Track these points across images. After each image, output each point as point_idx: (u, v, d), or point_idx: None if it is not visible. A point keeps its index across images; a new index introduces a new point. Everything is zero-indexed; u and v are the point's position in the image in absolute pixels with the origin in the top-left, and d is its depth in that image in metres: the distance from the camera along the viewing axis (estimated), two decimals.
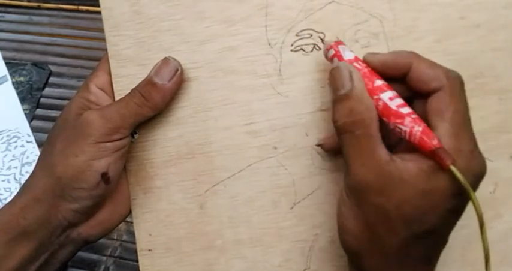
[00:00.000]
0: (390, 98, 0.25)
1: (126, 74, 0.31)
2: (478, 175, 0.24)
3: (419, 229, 0.24)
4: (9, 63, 0.54)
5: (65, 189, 0.28)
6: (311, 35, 0.30)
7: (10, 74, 0.54)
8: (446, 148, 0.23)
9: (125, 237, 0.47)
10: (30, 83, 0.54)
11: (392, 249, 0.24)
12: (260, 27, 0.31)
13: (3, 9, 0.57)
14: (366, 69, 0.26)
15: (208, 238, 0.32)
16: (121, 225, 0.46)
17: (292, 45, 0.31)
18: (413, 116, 0.24)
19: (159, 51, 0.31)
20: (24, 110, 0.52)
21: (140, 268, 0.32)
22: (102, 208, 0.31)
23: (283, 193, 0.31)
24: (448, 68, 0.26)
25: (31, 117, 0.52)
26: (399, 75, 0.26)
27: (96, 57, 0.53)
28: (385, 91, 0.25)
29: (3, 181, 0.49)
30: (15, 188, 0.48)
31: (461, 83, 0.25)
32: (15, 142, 0.51)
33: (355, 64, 0.27)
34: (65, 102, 0.46)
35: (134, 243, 0.32)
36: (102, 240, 0.44)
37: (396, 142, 0.27)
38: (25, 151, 0.50)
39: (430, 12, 0.30)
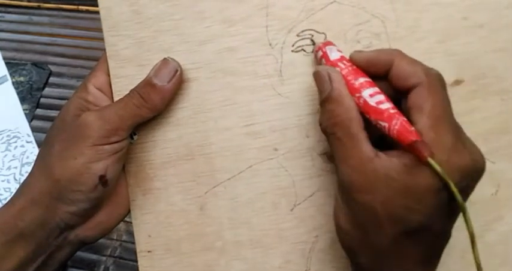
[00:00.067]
0: (370, 95, 0.25)
1: (125, 74, 0.31)
2: (465, 170, 0.23)
3: (408, 226, 0.23)
4: (9, 63, 0.54)
5: (62, 192, 0.28)
6: (312, 36, 0.30)
7: (10, 74, 0.54)
8: (425, 141, 0.23)
9: (124, 237, 0.47)
10: (30, 83, 0.53)
11: (383, 246, 0.24)
12: (260, 28, 0.30)
13: (3, 9, 0.57)
14: (350, 68, 0.27)
15: (208, 240, 0.32)
16: (121, 225, 0.47)
17: (293, 45, 0.30)
18: (393, 111, 0.24)
19: (159, 51, 0.31)
20: (24, 110, 0.52)
21: (140, 270, 0.32)
22: (100, 210, 0.31)
23: (283, 194, 0.31)
24: (431, 66, 0.26)
25: (31, 117, 0.52)
26: (383, 73, 0.26)
27: (96, 57, 0.53)
28: (367, 88, 0.25)
29: (3, 181, 0.49)
30: (15, 188, 0.48)
31: (441, 80, 0.25)
32: (15, 142, 0.51)
33: (340, 64, 0.27)
34: (64, 102, 0.46)
35: (134, 243, 0.32)
36: (102, 240, 0.44)
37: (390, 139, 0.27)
38: (25, 151, 0.50)
39: (432, 12, 0.30)
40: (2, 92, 0.53)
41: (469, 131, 0.25)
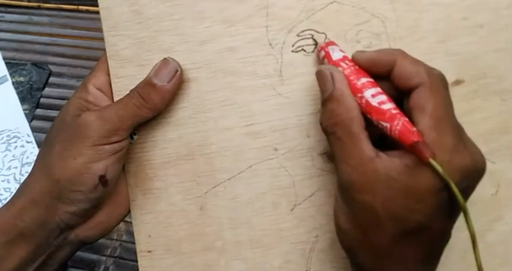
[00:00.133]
0: (372, 95, 0.25)
1: (125, 74, 0.31)
2: (466, 170, 0.23)
3: (408, 226, 0.23)
4: (9, 63, 0.54)
5: (62, 192, 0.28)
6: (312, 36, 0.30)
7: (10, 74, 0.54)
8: (427, 142, 0.23)
9: (124, 237, 0.47)
10: (30, 83, 0.53)
11: (383, 246, 0.24)
12: (261, 28, 0.30)
13: (3, 9, 0.57)
14: (352, 68, 0.27)
15: (208, 240, 0.32)
16: (121, 225, 0.47)
17: (293, 45, 0.30)
18: (394, 111, 0.24)
19: (159, 51, 0.30)
20: (24, 110, 0.52)
21: (140, 270, 0.32)
22: (100, 210, 0.31)
23: (283, 194, 0.31)
24: (433, 67, 0.26)
25: (31, 117, 0.52)
26: (385, 73, 0.26)
27: (96, 57, 0.53)
28: (369, 88, 0.25)
29: (3, 181, 0.49)
30: (15, 188, 0.48)
31: (443, 80, 0.25)
32: (15, 142, 0.51)
33: (342, 64, 0.27)
34: (64, 102, 0.46)
35: (134, 243, 0.32)
36: (102, 240, 0.44)
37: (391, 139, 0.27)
38: (25, 152, 0.50)
39: (432, 12, 0.30)
40: (2, 92, 0.53)
41: (469, 131, 0.25)
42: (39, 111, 0.53)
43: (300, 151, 0.31)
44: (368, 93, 0.25)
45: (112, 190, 0.31)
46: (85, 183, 0.28)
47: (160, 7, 0.30)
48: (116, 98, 0.31)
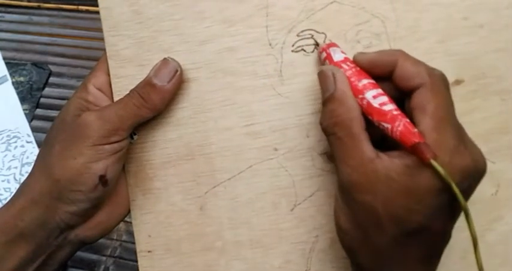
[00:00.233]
0: (374, 96, 0.25)
1: (125, 74, 0.31)
2: (467, 171, 0.23)
3: (409, 226, 0.24)
4: (9, 63, 0.54)
5: (62, 192, 0.28)
6: (312, 36, 0.30)
7: (10, 74, 0.54)
8: (428, 143, 0.23)
9: (124, 237, 0.47)
10: (30, 83, 0.53)
11: (383, 247, 0.24)
12: (261, 28, 0.30)
13: (3, 9, 0.57)
14: (353, 69, 0.27)
15: (208, 240, 0.32)
16: (121, 225, 0.47)
17: (293, 45, 0.30)
18: (396, 112, 0.24)
19: (159, 51, 0.30)
20: (24, 110, 0.52)
21: (140, 270, 0.32)
22: (100, 209, 0.31)
23: (283, 194, 0.31)
24: (435, 67, 0.26)
25: (31, 117, 0.52)
26: (386, 74, 0.26)
27: (96, 57, 0.53)
28: (370, 90, 0.25)
29: (3, 181, 0.49)
30: (15, 188, 0.48)
31: (444, 81, 0.25)
32: (15, 142, 0.51)
33: (343, 65, 0.27)
34: (64, 102, 0.46)
35: (134, 243, 0.32)
36: (102, 240, 0.44)
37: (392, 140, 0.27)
38: (25, 152, 0.50)
39: (432, 12, 0.30)
40: (2, 92, 0.53)
41: (469, 131, 0.25)
42: (39, 111, 0.53)
43: (300, 151, 0.31)
44: (369, 94, 0.25)
45: (112, 190, 0.31)
46: (85, 183, 0.28)
47: (160, 7, 0.30)
48: (116, 98, 0.31)
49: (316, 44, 0.30)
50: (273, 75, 0.31)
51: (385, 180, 0.23)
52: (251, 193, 0.31)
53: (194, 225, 0.32)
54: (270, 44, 0.30)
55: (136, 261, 0.32)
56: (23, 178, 0.49)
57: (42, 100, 0.53)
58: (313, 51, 0.30)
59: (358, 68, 0.27)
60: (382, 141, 0.26)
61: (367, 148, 0.24)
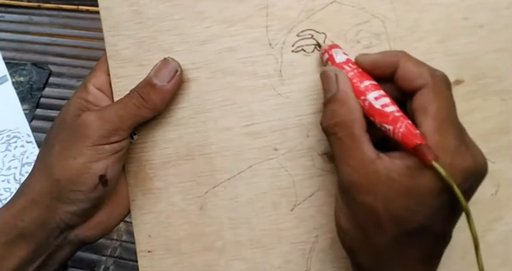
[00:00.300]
0: (376, 98, 0.25)
1: (125, 74, 0.31)
2: (468, 172, 0.23)
3: (409, 227, 0.24)
4: (9, 63, 0.54)
5: (62, 191, 0.28)
6: (312, 36, 0.30)
7: (10, 74, 0.54)
8: (430, 144, 0.23)
9: (124, 237, 0.47)
10: (30, 83, 0.53)
11: (383, 247, 0.24)
12: (261, 28, 0.30)
13: (3, 9, 0.57)
14: (355, 71, 0.27)
15: (208, 240, 0.32)
16: (121, 225, 0.47)
17: (293, 45, 0.30)
18: (398, 113, 0.25)
19: (159, 51, 0.30)
20: (24, 110, 0.52)
21: (140, 270, 0.32)
22: (100, 209, 0.31)
23: (283, 194, 0.31)
24: (436, 68, 0.26)
25: (31, 117, 0.52)
26: (388, 75, 0.26)
27: (96, 57, 0.53)
28: (372, 91, 0.26)
29: (3, 181, 0.49)
30: (15, 188, 0.48)
31: (446, 82, 0.26)
32: (15, 142, 0.51)
33: (345, 66, 0.27)
34: (64, 102, 0.46)
35: (134, 243, 0.32)
36: (102, 240, 0.44)
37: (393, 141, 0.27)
38: (25, 152, 0.50)
39: (432, 12, 0.30)
40: (2, 92, 0.53)
41: (469, 131, 0.25)
42: (39, 111, 0.53)
43: (300, 151, 0.31)
44: (371, 95, 0.25)
45: (112, 190, 0.31)
46: (85, 183, 0.28)
47: (160, 7, 0.30)
48: (116, 98, 0.31)
49: (318, 45, 0.30)
50: (273, 75, 0.31)
51: (386, 181, 0.23)
52: (251, 193, 0.31)
53: (194, 225, 0.32)
54: (270, 44, 0.30)
55: (136, 261, 0.32)
56: (23, 178, 0.49)
57: (42, 100, 0.53)
58: (313, 51, 0.30)
59: (360, 69, 0.27)
60: (383, 142, 0.26)
61: (368, 149, 0.24)
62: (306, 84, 0.31)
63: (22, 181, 0.31)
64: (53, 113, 0.52)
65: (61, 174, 0.28)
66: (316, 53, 0.30)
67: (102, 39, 0.31)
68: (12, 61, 0.54)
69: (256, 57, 0.31)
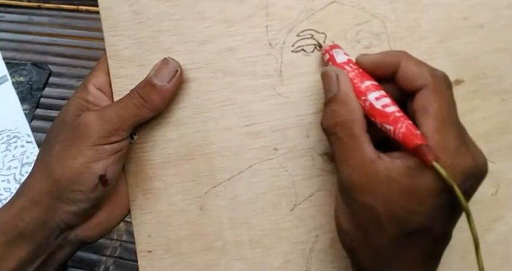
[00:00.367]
0: (376, 98, 0.25)
1: (125, 74, 0.31)
2: (468, 173, 0.23)
3: (409, 227, 0.24)
4: (9, 63, 0.54)
5: (62, 191, 0.28)
6: (312, 36, 0.30)
7: (10, 74, 0.54)
8: (430, 145, 0.23)
9: (124, 237, 0.47)
10: (30, 83, 0.53)
11: (383, 247, 0.24)
12: (260, 28, 0.30)
13: (3, 9, 0.57)
14: (356, 71, 0.27)
15: (208, 240, 0.32)
16: (121, 225, 0.47)
17: (293, 45, 0.30)
18: (398, 114, 0.25)
19: (159, 51, 0.30)
20: (24, 110, 0.52)
21: (140, 270, 0.32)
22: (100, 209, 0.31)
23: (283, 194, 0.31)
24: (436, 67, 0.26)
25: (31, 117, 0.52)
26: (389, 75, 0.26)
27: (96, 57, 0.53)
28: (373, 91, 0.26)
29: (3, 181, 0.49)
30: (15, 188, 0.48)
31: (447, 82, 0.26)
32: (15, 142, 0.51)
33: (346, 67, 0.27)
34: (64, 102, 0.46)
35: (134, 243, 0.32)
36: (102, 240, 0.44)
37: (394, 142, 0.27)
38: (25, 152, 0.50)
39: (432, 12, 0.30)
40: (2, 92, 0.53)
41: (469, 131, 0.25)
42: (39, 111, 0.53)
43: (300, 151, 0.31)
44: (372, 96, 0.25)
45: (112, 190, 0.31)
46: (85, 183, 0.28)
47: (160, 7, 0.30)
48: (116, 98, 0.31)
49: (319, 45, 0.30)
50: (273, 75, 0.31)
51: (386, 181, 0.23)
52: (251, 193, 0.31)
53: (194, 225, 0.32)
54: (270, 44, 0.30)
55: (136, 261, 0.32)
56: (23, 178, 0.49)
57: (42, 100, 0.53)
58: (313, 51, 0.30)
59: (360, 70, 0.27)
60: (383, 142, 0.26)
61: (368, 149, 0.24)
62: (306, 84, 0.31)
63: (22, 181, 0.31)
64: (53, 113, 0.52)
65: (61, 174, 0.28)
66: (316, 53, 0.30)
67: (102, 39, 0.31)
68: (12, 61, 0.54)
69: (256, 57, 0.31)
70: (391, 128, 0.24)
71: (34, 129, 0.52)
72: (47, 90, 0.53)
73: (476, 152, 0.24)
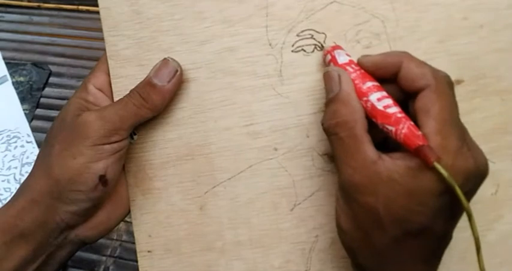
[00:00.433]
0: (378, 99, 0.25)
1: (125, 74, 0.31)
2: (469, 174, 0.23)
3: (410, 227, 0.24)
4: (9, 63, 0.54)
5: (62, 191, 0.28)
6: (312, 36, 0.30)
7: (10, 74, 0.54)
8: (432, 146, 0.23)
9: (124, 237, 0.47)
10: (30, 83, 0.53)
11: (383, 247, 0.24)
12: (260, 28, 0.30)
13: (3, 9, 0.57)
14: (358, 72, 0.27)
15: (208, 240, 0.32)
16: (121, 225, 0.47)
17: (293, 45, 0.30)
18: (400, 115, 0.25)
19: (159, 51, 0.31)
20: (24, 110, 0.52)
21: (140, 270, 0.32)
22: (100, 209, 0.31)
23: (283, 194, 0.31)
24: (438, 68, 0.26)
25: (31, 117, 0.52)
26: (391, 75, 0.26)
27: (96, 57, 0.53)
28: (375, 92, 0.26)
29: (3, 181, 0.49)
30: (15, 188, 0.48)
31: (449, 82, 0.26)
32: (15, 142, 0.51)
33: (348, 67, 0.27)
34: (64, 102, 0.47)
35: (134, 243, 0.32)
36: (102, 240, 0.44)
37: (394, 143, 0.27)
38: (25, 152, 0.50)
39: (432, 12, 0.30)
40: (2, 92, 0.53)
41: (469, 131, 0.25)
42: (39, 111, 0.53)
43: (300, 151, 0.31)
44: (373, 96, 0.25)
45: (112, 190, 0.31)
46: (85, 183, 0.28)
47: (160, 7, 0.30)
48: (116, 98, 0.31)
49: (321, 46, 0.30)
50: (273, 75, 0.31)
51: (387, 182, 0.23)
52: (251, 193, 0.31)
53: (194, 225, 0.32)
54: (270, 44, 0.30)
55: (136, 261, 0.32)
56: (23, 178, 0.49)
57: (42, 100, 0.53)
58: (313, 51, 0.30)
59: (362, 71, 0.27)
60: (383, 143, 0.26)
61: (369, 149, 0.24)
62: (306, 84, 0.31)
63: (22, 181, 0.31)
64: (53, 113, 0.52)
65: (61, 174, 0.28)
66: (316, 53, 0.30)
67: (102, 39, 0.31)
68: (12, 61, 0.54)
69: (256, 57, 0.31)
70: (392, 128, 0.24)
71: (34, 129, 0.52)
72: (47, 90, 0.53)
73: (477, 153, 0.24)
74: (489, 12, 0.30)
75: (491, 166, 0.25)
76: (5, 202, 0.47)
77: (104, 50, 0.31)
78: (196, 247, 0.32)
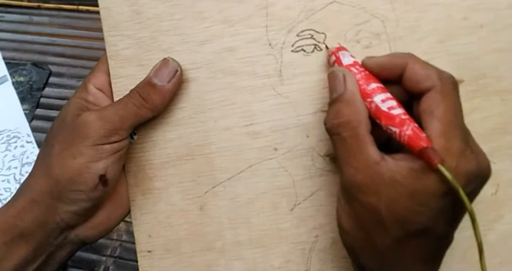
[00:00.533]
0: (382, 100, 0.25)
1: (125, 74, 0.31)
2: (472, 175, 0.23)
3: (412, 228, 0.24)
4: (9, 63, 0.54)
5: (62, 191, 0.28)
6: (312, 36, 0.30)
7: (10, 74, 0.54)
8: (436, 148, 0.23)
9: (124, 237, 0.47)
10: (30, 83, 0.53)
11: (385, 247, 0.24)
12: (260, 28, 0.30)
13: (3, 9, 0.57)
14: (362, 73, 0.27)
15: (208, 240, 0.32)
16: (121, 225, 0.47)
17: (293, 45, 0.30)
18: (404, 116, 0.25)
19: (159, 51, 0.31)
20: (24, 110, 0.52)
21: (140, 270, 0.32)
22: (100, 209, 0.31)
23: (283, 194, 0.31)
24: (441, 69, 0.26)
25: (31, 117, 0.52)
26: (395, 76, 0.26)
27: (96, 57, 0.53)
28: (379, 93, 0.26)
29: (3, 181, 0.49)
30: (15, 188, 0.48)
31: (454, 84, 0.25)
32: (15, 142, 0.51)
33: (352, 69, 0.27)
34: (64, 102, 0.47)
35: (134, 243, 0.32)
36: (102, 240, 0.44)
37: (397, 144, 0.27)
38: (25, 152, 0.50)
39: (432, 12, 0.30)
40: (2, 92, 0.53)
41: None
42: (39, 111, 0.53)
43: (300, 151, 0.31)
44: (378, 98, 0.25)
45: (112, 190, 0.31)
46: (85, 183, 0.28)
47: (160, 7, 0.30)
48: (116, 98, 0.31)
49: (326, 47, 0.30)
50: (273, 75, 0.31)
51: (390, 183, 0.23)
52: (251, 193, 0.31)
53: (194, 225, 0.32)
54: (270, 44, 0.30)
55: (136, 261, 0.32)
56: (23, 178, 0.49)
57: (42, 100, 0.53)
58: (313, 51, 0.30)
59: (367, 72, 0.27)
60: (387, 144, 0.26)
61: (372, 150, 0.24)
62: (306, 84, 0.31)
63: (22, 181, 0.31)
64: (53, 113, 0.52)
65: (61, 173, 0.28)
66: (316, 53, 0.30)
67: (102, 39, 0.31)
68: (12, 61, 0.54)
69: (256, 57, 0.31)
70: (396, 130, 0.24)
71: (34, 129, 0.52)
72: (47, 90, 0.53)
73: (479, 155, 0.24)
74: (489, 12, 0.30)
75: (492, 167, 0.25)
76: (5, 202, 0.47)
77: (104, 50, 0.31)
78: (196, 247, 0.32)
